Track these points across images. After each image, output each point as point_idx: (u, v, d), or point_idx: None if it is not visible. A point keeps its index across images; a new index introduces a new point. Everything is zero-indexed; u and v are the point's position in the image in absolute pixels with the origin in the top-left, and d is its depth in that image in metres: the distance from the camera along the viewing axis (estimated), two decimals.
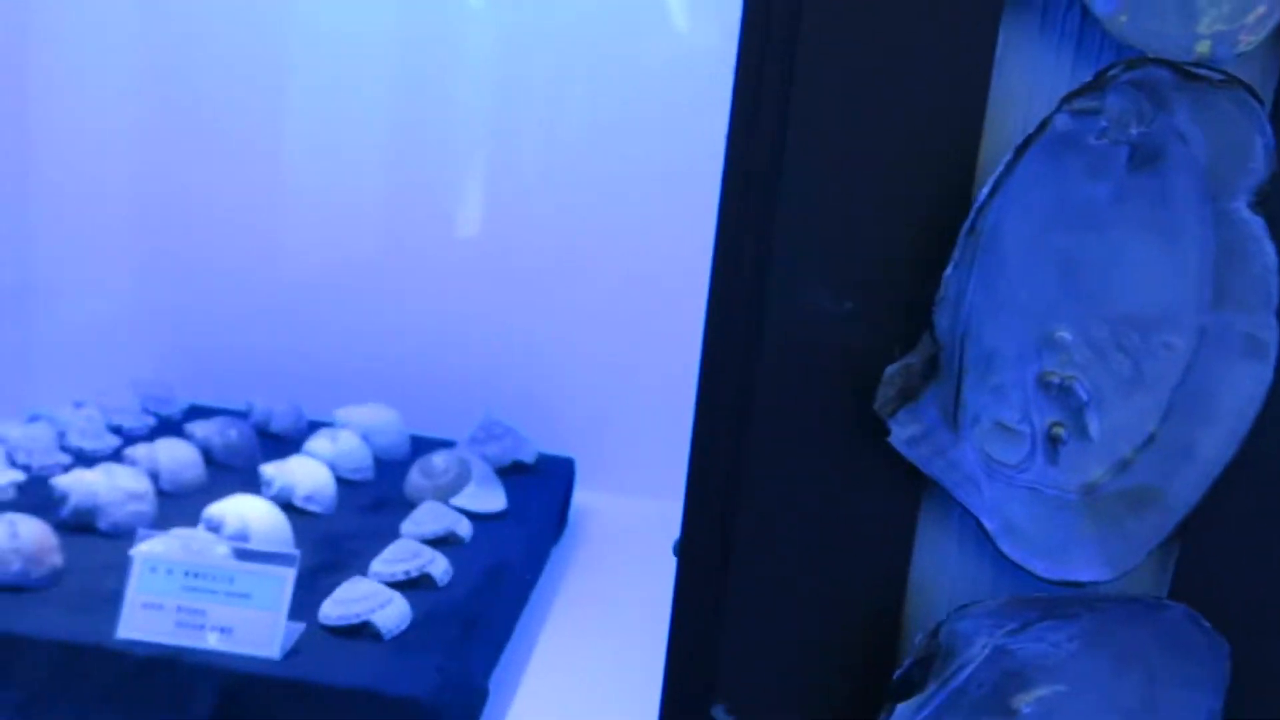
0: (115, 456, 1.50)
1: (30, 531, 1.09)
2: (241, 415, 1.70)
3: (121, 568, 1.15)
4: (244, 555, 1.07)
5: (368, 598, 1.08)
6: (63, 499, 1.23)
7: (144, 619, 1.00)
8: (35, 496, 1.33)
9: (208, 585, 1.02)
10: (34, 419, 1.53)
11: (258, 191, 1.88)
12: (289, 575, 1.02)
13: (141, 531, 1.10)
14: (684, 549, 0.60)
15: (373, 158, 1.85)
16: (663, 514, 1.89)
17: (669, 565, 1.73)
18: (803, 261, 0.54)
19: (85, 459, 1.49)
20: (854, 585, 0.58)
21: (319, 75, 1.84)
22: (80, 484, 1.24)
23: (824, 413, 0.56)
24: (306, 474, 1.39)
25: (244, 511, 1.23)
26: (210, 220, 1.89)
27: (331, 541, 1.30)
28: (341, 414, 1.66)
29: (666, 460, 1.91)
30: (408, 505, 1.46)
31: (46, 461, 1.42)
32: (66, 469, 1.43)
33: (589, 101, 1.81)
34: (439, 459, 1.47)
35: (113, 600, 1.07)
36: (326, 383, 1.87)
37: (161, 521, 1.28)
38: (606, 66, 1.79)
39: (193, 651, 0.99)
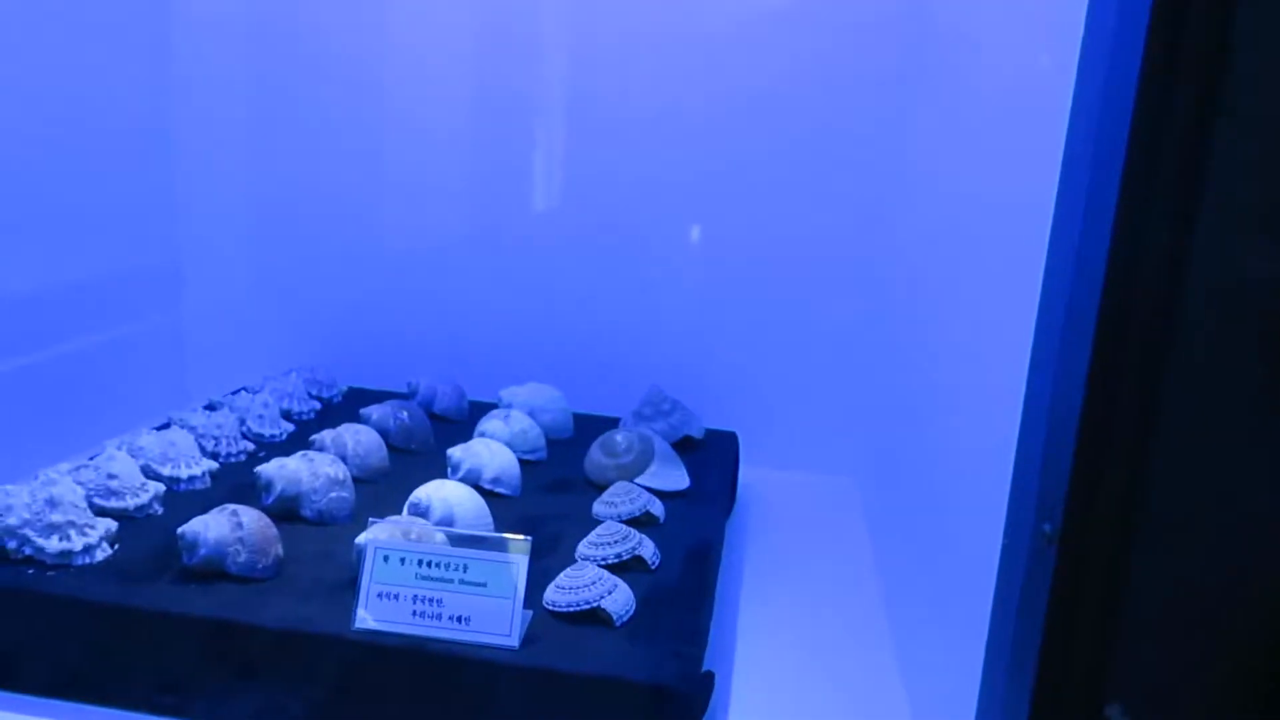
0: (293, 441, 1.51)
1: (253, 521, 1.09)
2: (403, 397, 1.69)
3: (335, 556, 1.15)
4: (459, 541, 1.06)
5: (595, 583, 1.05)
6: (267, 487, 1.23)
7: (380, 608, 0.99)
8: (229, 484, 1.34)
9: (442, 574, 1.00)
10: (213, 406, 1.54)
11: (398, 174, 1.87)
12: (523, 562, 1.00)
13: (371, 521, 1.09)
14: (1067, 537, 0.55)
15: (525, 136, 1.82)
16: (821, 488, 1.86)
17: (846, 540, 1.69)
18: (1239, 214, 0.48)
19: (265, 445, 1.49)
20: (1271, 578, 0.52)
21: (460, 56, 1.81)
22: (284, 472, 1.23)
23: (1249, 391, 0.50)
24: (492, 456, 1.37)
25: (447, 496, 1.21)
26: (349, 203, 1.89)
27: (527, 524, 1.28)
28: (506, 394, 1.64)
29: (821, 434, 1.88)
30: (589, 485, 1.44)
31: (233, 449, 1.42)
32: (250, 456, 1.44)
33: (749, 71, 1.76)
34: (620, 437, 1.44)
35: (338, 589, 1.07)
36: (474, 362, 1.86)
37: (360, 508, 1.28)
38: (776, 26, 1.72)
39: (432, 641, 0.98)
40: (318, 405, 1.68)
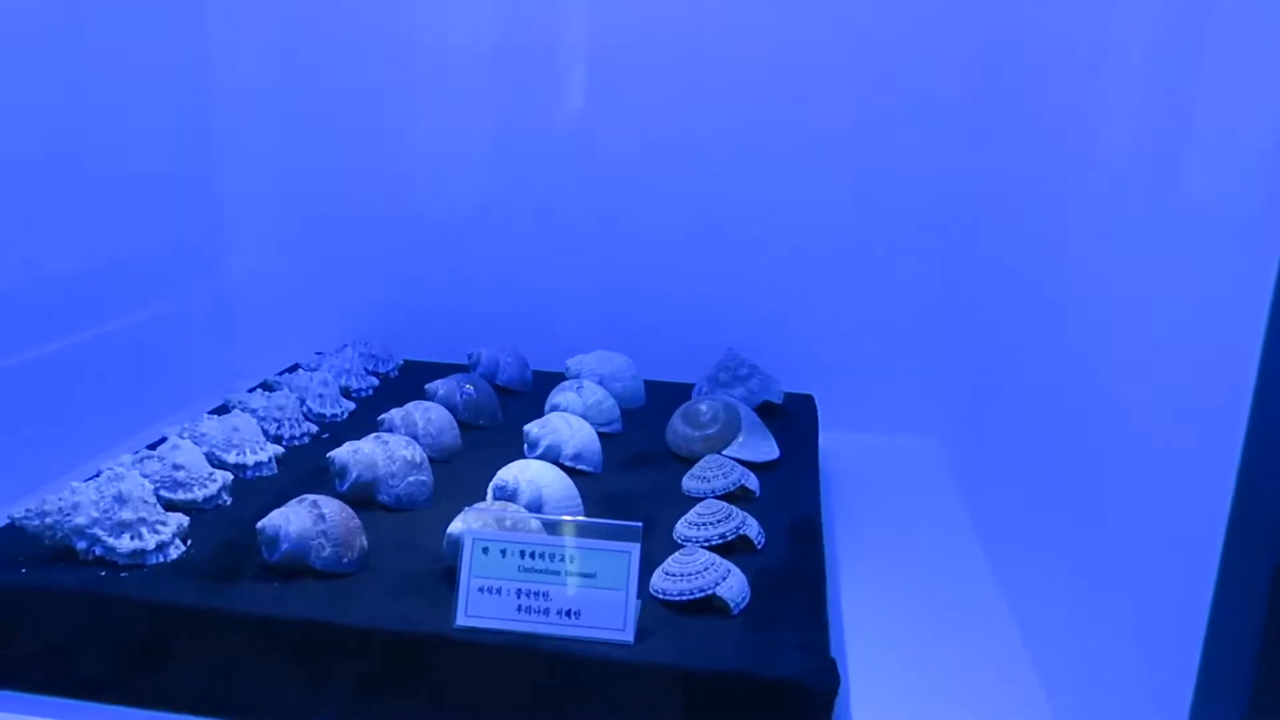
0: (355, 421, 1.44)
1: (335, 513, 1.02)
2: (463, 370, 1.61)
3: (419, 546, 1.08)
4: (557, 528, 0.98)
5: (708, 569, 0.97)
6: (341, 473, 1.15)
7: (483, 604, 0.92)
8: (297, 471, 1.27)
9: (547, 565, 0.92)
10: (270, 386, 1.47)
11: (442, 139, 1.77)
12: (634, 551, 0.92)
13: (468, 510, 1.01)
14: None
15: (582, 93, 1.71)
16: (903, 450, 1.77)
17: (940, 507, 1.61)
18: None
19: (327, 426, 1.42)
20: None
21: (509, 10, 1.71)
22: (358, 457, 1.15)
23: None
24: (572, 432, 1.29)
25: (534, 478, 1.13)
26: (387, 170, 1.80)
27: (615, 504, 1.20)
28: (574, 362, 1.56)
29: (900, 394, 1.79)
30: (673, 458, 1.36)
31: (296, 432, 1.35)
32: (314, 438, 1.37)
33: (822, 26, 1.64)
34: (705, 406, 1.35)
35: (429, 583, 1.00)
36: (530, 331, 1.78)
37: (438, 491, 1.20)
38: None
39: (539, 638, 0.91)
40: (375, 381, 1.60)
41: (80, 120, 1.49)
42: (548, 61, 1.70)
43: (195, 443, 1.21)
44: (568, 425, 1.30)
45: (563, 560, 0.92)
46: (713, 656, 0.89)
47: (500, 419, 1.46)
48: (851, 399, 1.72)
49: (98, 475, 1.14)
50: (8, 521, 1.08)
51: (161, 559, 1.01)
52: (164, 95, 1.69)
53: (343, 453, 1.16)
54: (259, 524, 1.00)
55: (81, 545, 0.99)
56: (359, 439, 1.20)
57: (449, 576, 1.01)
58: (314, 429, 1.38)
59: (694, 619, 0.95)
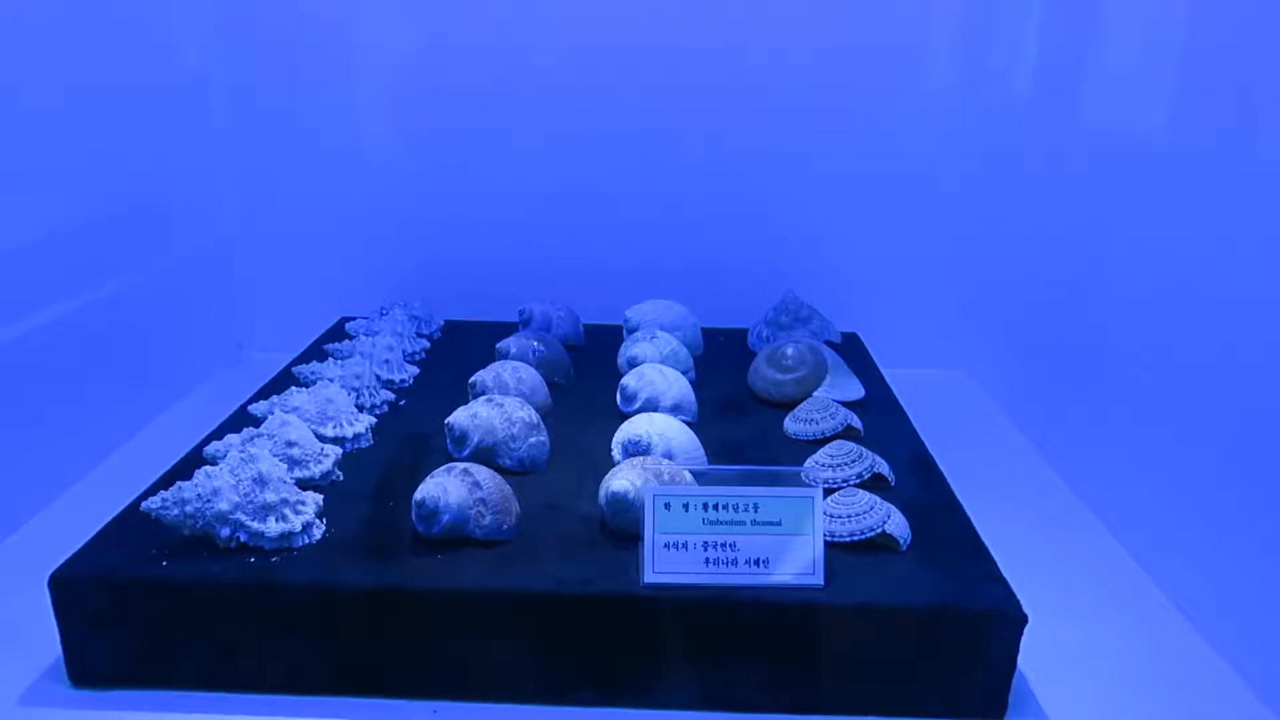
0: (423, 385, 1.39)
1: (489, 480, 0.98)
2: (511, 327, 1.57)
3: (562, 507, 1.06)
4: (711, 479, 0.98)
5: (872, 509, 0.99)
6: (462, 439, 1.12)
7: (669, 559, 0.91)
8: (393, 439, 1.22)
9: (731, 516, 0.92)
10: (342, 353, 1.40)
11: (480, 85, 1.69)
12: (816, 495, 0.93)
13: (622, 467, 0.99)
14: None
15: (623, 42, 1.66)
16: (936, 383, 1.82)
17: (1001, 436, 1.66)
18: None
19: (397, 391, 1.37)
20: None
21: None
22: (477, 421, 1.12)
23: None
24: (668, 383, 1.28)
25: (663, 430, 1.12)
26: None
27: (730, 451, 1.20)
28: (633, 313, 1.54)
29: (925, 329, 1.83)
30: (760, 402, 1.37)
31: (375, 400, 1.30)
32: (392, 406, 1.32)
33: None
34: (790, 350, 1.36)
35: (592, 543, 0.98)
36: (559, 283, 1.74)
37: (557, 451, 1.18)
38: None
39: (731, 588, 0.91)
40: (426, 343, 1.55)
41: (105, 77, 1.38)
42: (591, 6, 1.64)
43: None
44: (662, 376, 1.29)
45: (747, 510, 0.92)
46: (908, 592, 0.91)
47: (573, 374, 1.44)
48: (875, 335, 1.74)
49: (209, 460, 1.08)
50: (119, 513, 1.02)
51: (307, 540, 0.96)
52: (165, 46, 1.57)
53: (461, 418, 1.12)
54: (417, 497, 0.96)
55: (225, 532, 0.93)
56: (466, 403, 1.16)
57: (607, 534, 1.00)
58: (390, 396, 1.33)
59: (863, 557, 0.97)
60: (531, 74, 1.67)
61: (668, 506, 0.93)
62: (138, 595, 0.91)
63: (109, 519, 1.01)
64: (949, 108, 1.69)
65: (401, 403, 1.33)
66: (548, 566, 0.94)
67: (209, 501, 0.93)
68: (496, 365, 1.29)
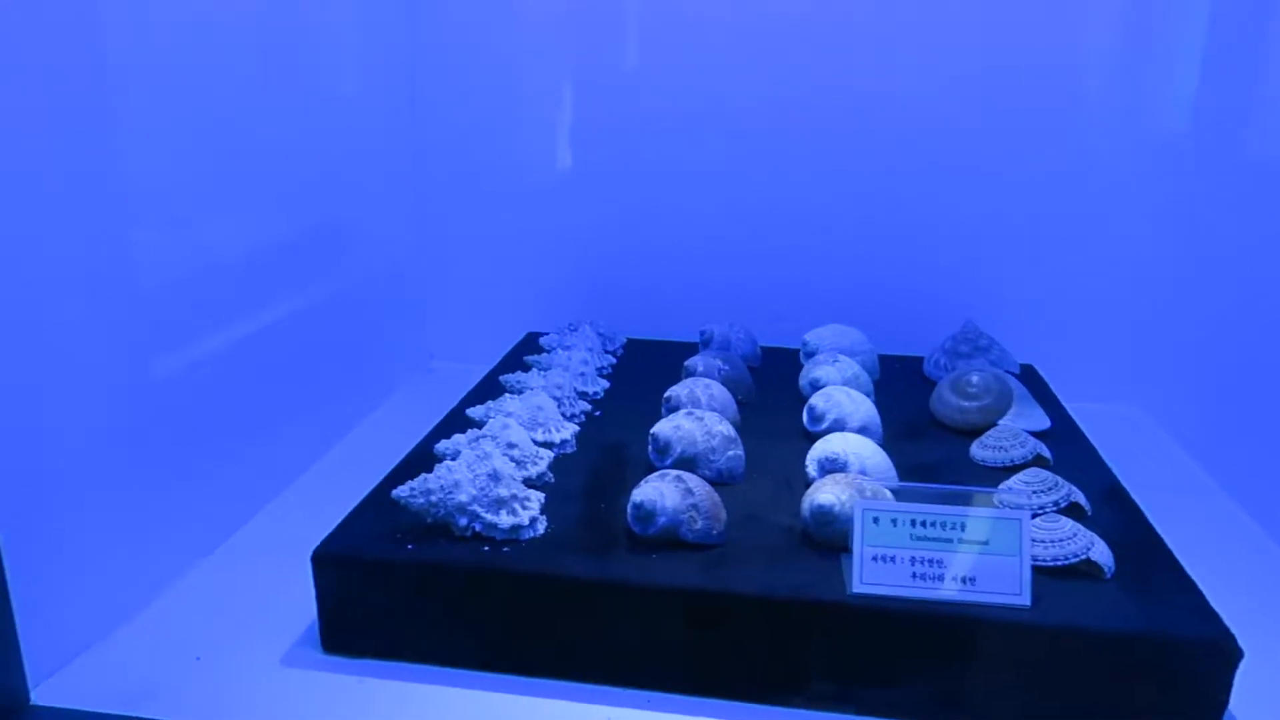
0: (614, 398, 1.47)
1: (700, 487, 1.05)
2: (691, 347, 1.64)
3: (760, 518, 1.11)
4: (908, 496, 1.01)
5: (1076, 535, 1.00)
6: (665, 448, 1.19)
7: (877, 571, 0.95)
8: (594, 446, 1.30)
9: (939, 533, 0.96)
10: (541, 364, 1.50)
11: (660, 108, 1.77)
12: (1025, 518, 0.96)
13: (825, 481, 1.04)
14: None
15: (804, 64, 1.72)
16: (1110, 418, 1.79)
17: (1182, 473, 1.59)
18: None
19: (590, 402, 1.46)
20: None
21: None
22: (680, 432, 1.19)
23: None
24: (855, 405, 1.32)
25: (858, 450, 1.17)
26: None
27: (919, 474, 1.23)
28: (812, 337, 1.58)
29: (1100, 362, 1.81)
30: (942, 428, 1.39)
31: (575, 410, 1.38)
32: (589, 416, 1.40)
33: None
34: (976, 377, 1.38)
35: (795, 552, 1.03)
36: (728, 306, 1.80)
37: (749, 465, 1.23)
38: None
39: (936, 603, 0.94)
40: (612, 360, 1.63)
41: (287, 98, 1.52)
42: (769, 28, 1.70)
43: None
44: (849, 398, 1.33)
45: (955, 529, 0.96)
46: (1115, 618, 0.93)
47: (755, 394, 1.49)
48: (1048, 368, 1.73)
49: (437, 457, 1.18)
50: (362, 500, 1.13)
51: (533, 534, 1.05)
52: (366, 72, 1.72)
53: (665, 429, 1.19)
54: (636, 499, 1.03)
55: (462, 522, 1.03)
56: (657, 416, 1.23)
57: (810, 544, 1.05)
58: (587, 407, 1.41)
59: (1066, 582, 0.99)
60: (715, 101, 1.74)
61: (876, 520, 0.97)
62: (386, 574, 1.01)
63: (353, 505, 1.13)
64: (1131, 139, 1.68)
65: (597, 413, 1.41)
66: (756, 571, 1.00)
67: (450, 493, 1.03)
68: (689, 381, 1.36)
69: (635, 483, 1.09)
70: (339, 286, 1.61)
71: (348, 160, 1.62)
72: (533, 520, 1.05)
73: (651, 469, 1.19)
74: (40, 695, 0.96)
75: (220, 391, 1.26)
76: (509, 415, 1.25)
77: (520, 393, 1.35)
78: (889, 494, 1.05)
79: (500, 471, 1.04)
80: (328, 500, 1.19)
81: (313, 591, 1.04)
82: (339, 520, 1.09)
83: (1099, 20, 1.65)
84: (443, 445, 1.20)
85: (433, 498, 1.03)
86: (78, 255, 1.00)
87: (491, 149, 1.86)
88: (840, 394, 1.34)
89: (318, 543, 1.04)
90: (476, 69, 1.81)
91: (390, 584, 1.02)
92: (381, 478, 1.19)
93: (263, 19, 1.33)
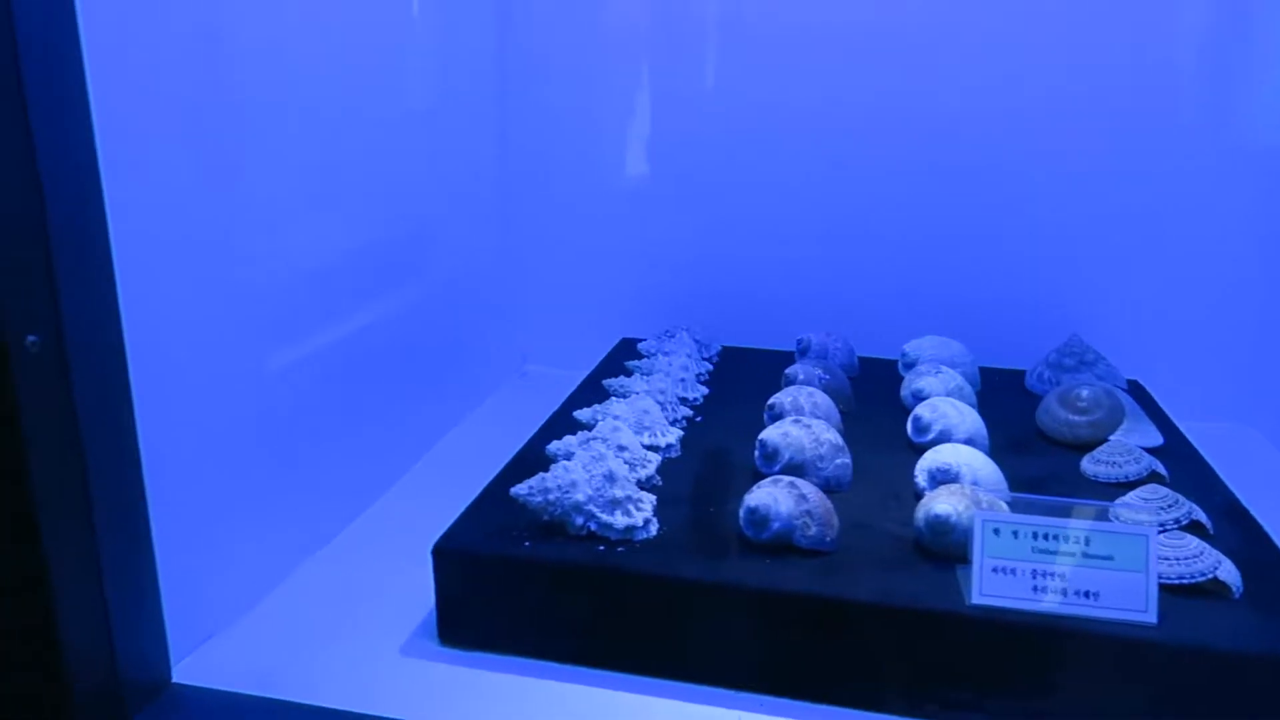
0: (713, 405, 1.48)
1: (813, 493, 1.05)
2: (787, 355, 1.64)
3: (870, 525, 1.11)
4: (1012, 508, 1.00)
5: (1203, 553, 0.98)
6: (773, 455, 1.19)
7: (997, 583, 0.95)
8: (698, 451, 1.31)
9: (1061, 547, 0.95)
10: (642, 369, 1.52)
11: (762, 118, 1.78)
12: (1151, 533, 0.94)
13: (940, 491, 1.04)
14: None
15: (906, 73, 1.71)
16: (1222, 437, 1.74)
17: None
18: None
19: (691, 408, 1.47)
20: None
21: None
22: (788, 439, 1.19)
23: None
24: (961, 417, 1.31)
25: (969, 461, 1.16)
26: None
27: (1028, 487, 1.21)
28: (911, 348, 1.58)
29: (1209, 380, 1.76)
30: (1050, 442, 1.37)
31: (677, 415, 1.40)
32: (689, 421, 1.41)
33: None
34: (1086, 392, 1.35)
35: (909, 561, 1.03)
36: (827, 315, 1.80)
37: (855, 474, 1.23)
38: None
39: (1058, 617, 0.93)
40: (709, 366, 1.65)
41: (402, 117, 1.56)
42: (867, 34, 1.69)
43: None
44: (955, 409, 1.32)
45: (1078, 543, 0.95)
46: (1248, 639, 0.90)
47: (855, 404, 1.49)
48: (1155, 384, 1.70)
49: (549, 457, 1.20)
50: (477, 497, 1.16)
51: (646, 535, 1.06)
52: (471, 72, 1.76)
53: (774, 435, 1.20)
54: (750, 504, 1.04)
55: (578, 521, 1.05)
56: (759, 423, 1.24)
57: (924, 554, 1.04)
58: (689, 412, 1.42)
59: (1192, 600, 0.96)
60: (814, 108, 1.74)
61: (997, 532, 0.96)
62: (504, 569, 1.04)
63: (460, 501, 1.15)
64: (1244, 149, 1.63)
65: (698, 419, 1.42)
66: (871, 579, 1.00)
67: (567, 492, 1.05)
68: (792, 389, 1.37)
69: (742, 488, 1.10)
70: (435, 291, 1.65)
71: (440, 166, 1.65)
72: (646, 522, 1.07)
73: (757, 475, 1.19)
74: (176, 675, 1.01)
75: (325, 389, 1.29)
76: (617, 418, 1.27)
77: (626, 396, 1.37)
78: (1004, 506, 1.04)
79: (615, 473, 1.06)
80: (435, 496, 1.23)
81: (427, 584, 1.07)
82: (447, 515, 1.12)
83: (1199, 24, 1.61)
84: (554, 446, 1.23)
85: (550, 496, 1.05)
86: (207, 255, 1.04)
87: (584, 156, 1.88)
88: (946, 405, 1.33)
89: (428, 537, 1.07)
90: (570, 76, 1.84)
91: (507, 579, 1.04)
92: (490, 477, 1.22)
93: (365, 38, 1.37)
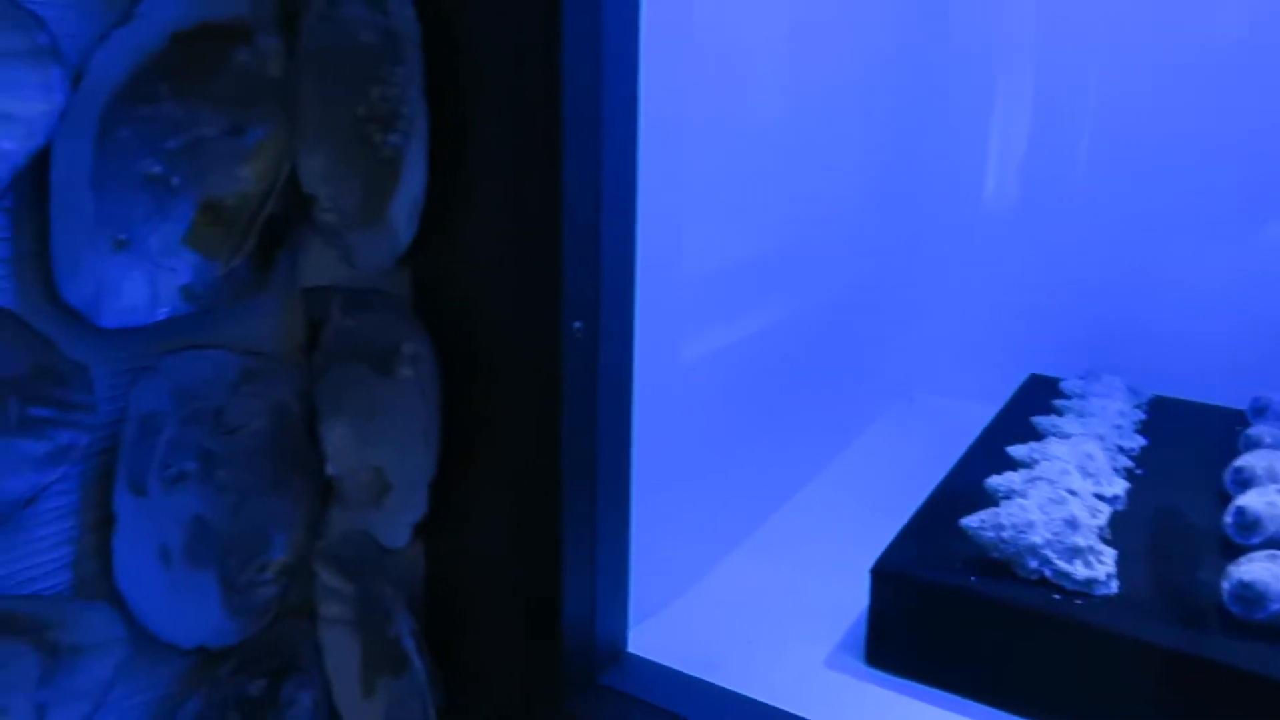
0: (1150, 459, 1.35)
1: None
2: (1236, 414, 1.47)
3: None
4: None
5: None
6: (1254, 525, 1.06)
7: None
8: (1151, 507, 1.20)
9: None
10: (1077, 410, 1.42)
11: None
12: None
13: None
14: None
15: None
16: None
17: None
18: None
19: (1129, 458, 1.35)
20: None
21: None
22: (1274, 509, 1.06)
23: None
24: None
25: None
26: None
27: None
28: None
29: None
30: None
31: (1115, 464, 1.29)
32: (1129, 473, 1.30)
33: None
34: None
35: None
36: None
37: None
38: None
39: None
40: (1142, 415, 1.51)
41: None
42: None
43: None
44: None
45: None
46: None
47: None
48: None
49: (989, 493, 1.15)
50: (908, 523, 1.14)
51: (1107, 591, 0.99)
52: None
53: (1257, 504, 1.07)
54: (1244, 579, 0.93)
55: (1032, 564, 1.00)
56: (1258, 487, 1.10)
57: None
58: (1129, 463, 1.31)
59: None
60: (1246, 133, 1.54)
61: None
62: (946, 600, 1.01)
63: (866, 521, 1.15)
64: None
65: (1139, 471, 1.31)
66: None
67: (1023, 532, 1.00)
68: (1265, 453, 1.21)
69: (1209, 556, 0.99)
70: (836, 301, 1.64)
71: (840, 182, 1.64)
72: (1109, 577, 0.99)
73: (1226, 543, 1.07)
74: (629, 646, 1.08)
75: (749, 382, 1.33)
76: (1047, 458, 1.20)
77: (1067, 437, 1.28)
78: None
79: (1078, 519, 1.00)
80: (841, 510, 1.25)
81: (848, 597, 1.07)
82: (855, 531, 1.13)
83: None
84: (995, 481, 1.18)
85: (1004, 534, 1.00)
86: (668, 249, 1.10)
87: (992, 174, 1.80)
88: None
89: (841, 548, 1.08)
90: (976, 88, 1.77)
91: (947, 611, 1.01)
92: (898, 499, 1.20)
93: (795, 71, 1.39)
